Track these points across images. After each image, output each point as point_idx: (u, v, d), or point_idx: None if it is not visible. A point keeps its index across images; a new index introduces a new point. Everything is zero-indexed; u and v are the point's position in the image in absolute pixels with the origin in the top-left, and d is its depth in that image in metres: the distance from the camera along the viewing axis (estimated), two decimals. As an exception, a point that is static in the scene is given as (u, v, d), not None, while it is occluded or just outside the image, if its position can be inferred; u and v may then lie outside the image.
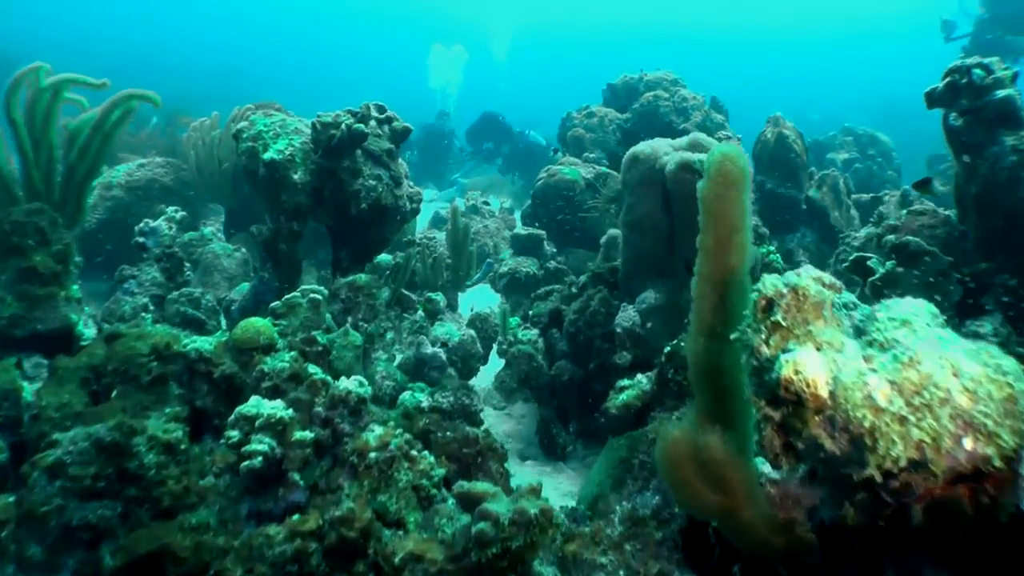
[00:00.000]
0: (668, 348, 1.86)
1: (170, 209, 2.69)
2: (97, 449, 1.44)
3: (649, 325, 2.50)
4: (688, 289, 2.45)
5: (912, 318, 1.02)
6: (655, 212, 2.54)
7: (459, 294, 4.28)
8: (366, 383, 1.72)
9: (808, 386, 0.85)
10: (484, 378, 3.42)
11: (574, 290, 3.11)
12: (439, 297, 3.59)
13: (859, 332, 1.07)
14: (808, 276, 0.97)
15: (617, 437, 2.10)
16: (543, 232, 4.32)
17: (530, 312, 3.02)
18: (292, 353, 1.84)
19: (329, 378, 1.67)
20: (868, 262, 2.02)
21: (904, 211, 2.24)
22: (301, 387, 1.70)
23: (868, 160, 6.74)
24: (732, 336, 1.01)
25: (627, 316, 2.54)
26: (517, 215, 6.56)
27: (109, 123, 2.57)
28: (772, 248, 2.67)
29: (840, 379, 0.85)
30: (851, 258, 2.11)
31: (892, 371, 0.83)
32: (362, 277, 2.57)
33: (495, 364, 3.49)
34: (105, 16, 31.10)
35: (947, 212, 2.22)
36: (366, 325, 2.56)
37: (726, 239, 1.22)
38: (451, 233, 4.20)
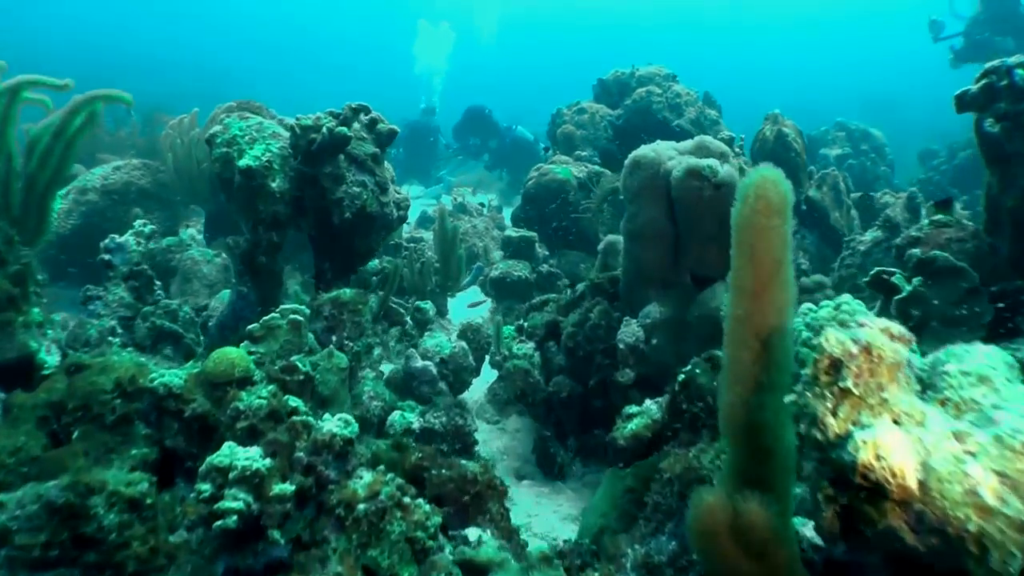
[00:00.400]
0: (682, 376, 1.71)
1: (138, 223, 2.48)
2: (48, 513, 1.26)
3: (654, 342, 2.35)
4: (697, 304, 2.29)
5: (989, 372, 0.87)
6: (659, 220, 2.38)
7: (448, 299, 4.11)
8: (352, 421, 1.55)
9: (894, 476, 0.69)
10: (476, 388, 3.27)
11: (569, 292, 2.95)
12: (428, 306, 3.42)
13: (925, 386, 0.91)
14: (878, 329, 0.81)
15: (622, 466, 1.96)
16: (535, 234, 4.16)
17: (525, 324, 2.86)
18: (270, 387, 1.66)
19: (311, 419, 1.50)
20: (892, 278, 1.87)
21: (925, 221, 2.09)
22: (281, 428, 1.52)
23: (861, 156, 6.61)
24: (787, 399, 0.85)
25: (630, 331, 2.39)
26: (506, 213, 6.39)
27: (72, 129, 2.36)
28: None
29: (932, 467, 0.69)
30: (872, 272, 1.97)
31: (998, 459, 0.67)
32: (346, 292, 2.39)
33: (487, 374, 3.33)
34: (84, 9, 30.36)
35: (972, 224, 2.08)
36: (351, 344, 2.38)
37: (769, 277, 1.06)
38: (439, 236, 4.02)
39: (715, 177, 2.20)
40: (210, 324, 2.71)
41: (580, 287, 2.85)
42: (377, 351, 2.66)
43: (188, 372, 1.70)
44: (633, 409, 1.97)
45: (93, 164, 5.96)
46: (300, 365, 1.89)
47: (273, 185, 2.44)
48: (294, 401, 1.72)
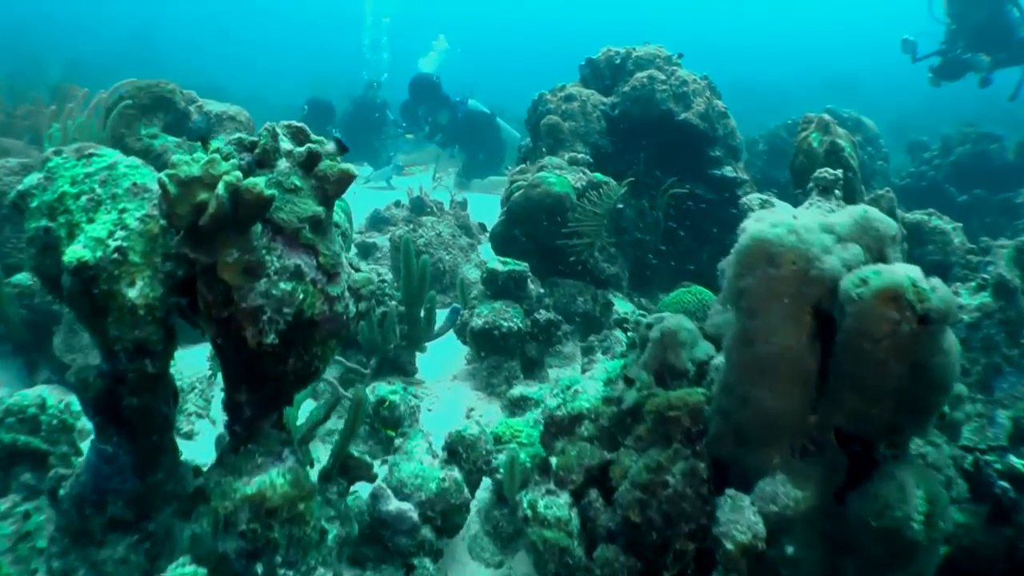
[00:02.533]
0: None
1: None
2: None
3: (789, 551, 1.36)
4: (868, 502, 1.21)
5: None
6: (797, 349, 1.37)
7: (418, 354, 3.02)
8: None
9: None
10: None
11: (608, 404, 1.93)
12: (396, 398, 2.33)
13: None
14: None
15: None
16: (526, 266, 3.07)
17: (552, 460, 1.83)
18: None
19: None
20: None
21: None
22: None
23: (857, 149, 5.72)
24: None
25: (743, 523, 1.39)
26: (470, 206, 5.25)
27: None
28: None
29: None
30: None
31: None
32: (278, 488, 1.29)
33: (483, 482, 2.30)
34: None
35: None
36: (289, 574, 1.29)
37: None
38: (404, 275, 2.88)
39: (923, 304, 1.19)
40: (61, 494, 1.55)
41: (629, 398, 1.82)
42: (333, 532, 1.58)
43: None
44: None
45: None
46: None
47: (131, 294, 1.27)
48: None
